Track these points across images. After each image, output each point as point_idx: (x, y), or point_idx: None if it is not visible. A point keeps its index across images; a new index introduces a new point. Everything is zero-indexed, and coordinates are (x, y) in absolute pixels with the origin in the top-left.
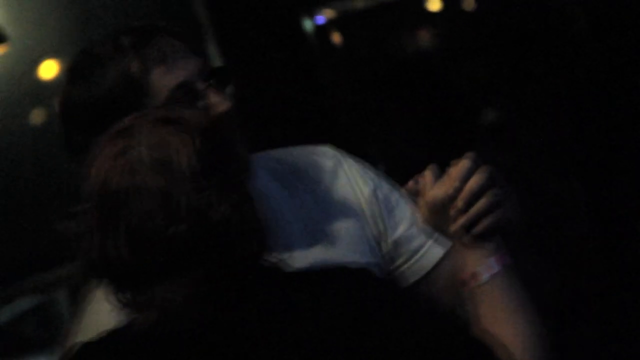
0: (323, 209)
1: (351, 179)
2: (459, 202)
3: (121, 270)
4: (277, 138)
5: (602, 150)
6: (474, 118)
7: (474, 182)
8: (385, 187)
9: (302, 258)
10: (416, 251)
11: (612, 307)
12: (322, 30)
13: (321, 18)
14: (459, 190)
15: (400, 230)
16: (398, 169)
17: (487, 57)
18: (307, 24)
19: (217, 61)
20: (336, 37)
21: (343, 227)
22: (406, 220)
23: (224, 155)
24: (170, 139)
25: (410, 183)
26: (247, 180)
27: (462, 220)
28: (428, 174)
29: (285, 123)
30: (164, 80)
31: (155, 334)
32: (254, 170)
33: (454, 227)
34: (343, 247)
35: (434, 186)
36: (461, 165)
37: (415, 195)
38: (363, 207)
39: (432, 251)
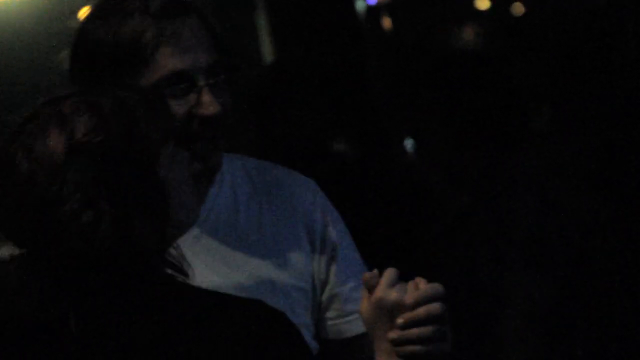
0: (277, 230)
1: (318, 218)
2: (405, 319)
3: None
4: (313, 113)
5: None
6: (517, 122)
7: (426, 309)
8: (348, 244)
9: (224, 275)
10: (349, 314)
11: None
12: (373, 12)
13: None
14: (411, 307)
15: (344, 288)
16: (428, 157)
17: (534, 61)
18: (359, 4)
19: (263, 41)
20: (386, 21)
21: (289, 253)
22: (353, 281)
23: (108, 150)
24: (56, 125)
25: (367, 275)
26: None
27: (397, 334)
28: (389, 273)
29: (325, 101)
30: (168, 61)
31: None
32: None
33: (389, 334)
34: (281, 268)
35: (389, 288)
36: (429, 288)
37: (367, 288)
38: (318, 247)
39: (360, 322)
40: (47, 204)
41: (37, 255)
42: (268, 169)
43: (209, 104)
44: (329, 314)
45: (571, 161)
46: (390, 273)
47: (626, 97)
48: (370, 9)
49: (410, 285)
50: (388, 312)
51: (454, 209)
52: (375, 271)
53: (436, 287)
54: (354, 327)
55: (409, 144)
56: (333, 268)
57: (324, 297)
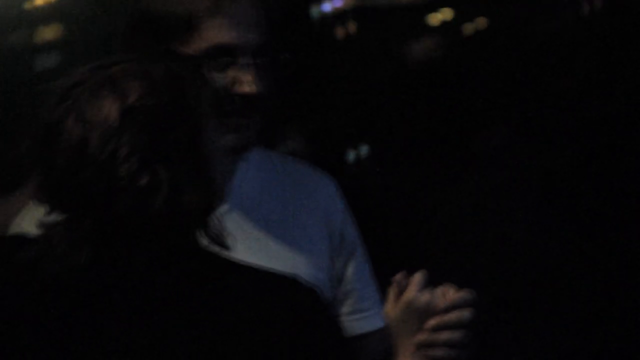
0: (299, 220)
1: (339, 215)
2: (437, 322)
3: (46, 195)
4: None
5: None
6: (470, 140)
7: (460, 314)
8: (362, 244)
9: (250, 253)
10: (363, 310)
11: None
12: (328, 20)
13: (327, 6)
14: (442, 312)
15: (359, 285)
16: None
17: (490, 78)
18: (314, 11)
19: None
20: (340, 30)
21: (309, 244)
22: (369, 280)
23: (161, 115)
24: (108, 90)
25: (399, 276)
26: (193, 154)
27: (426, 336)
28: (420, 275)
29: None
30: (219, 32)
31: (34, 267)
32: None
33: (417, 335)
34: (301, 257)
35: (421, 291)
36: (462, 294)
37: (399, 289)
38: (336, 242)
39: (374, 319)
40: (103, 165)
41: (89, 218)
42: (291, 162)
43: (247, 83)
44: (344, 310)
45: (521, 178)
46: (421, 274)
47: (578, 117)
48: (324, 17)
49: (439, 290)
50: (417, 314)
51: (404, 216)
52: (405, 273)
53: (466, 295)
54: (368, 324)
55: (363, 150)
56: (351, 265)
57: (340, 292)
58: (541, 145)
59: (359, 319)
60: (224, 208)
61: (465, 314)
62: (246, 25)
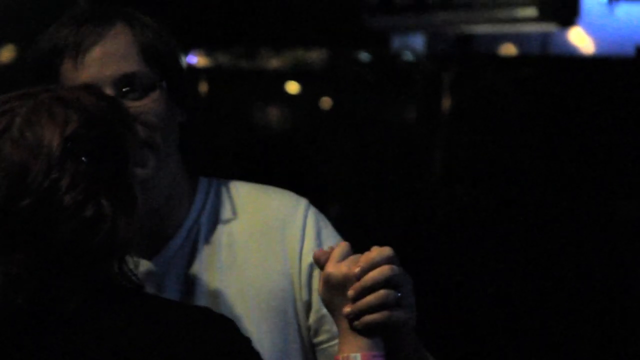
0: (260, 253)
1: (302, 241)
2: (350, 291)
3: None
4: None
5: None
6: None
7: (371, 275)
8: None
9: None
10: (335, 337)
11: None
12: (192, 72)
13: (193, 58)
14: (357, 277)
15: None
16: None
17: (339, 153)
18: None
19: None
20: (202, 85)
21: (269, 278)
22: None
23: (100, 145)
24: (46, 117)
25: (316, 252)
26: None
27: (348, 308)
28: (338, 249)
29: None
30: (71, 73)
31: None
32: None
33: (344, 309)
34: (260, 291)
35: (338, 263)
36: (371, 255)
37: (319, 266)
38: (297, 269)
39: None
40: (44, 194)
41: (27, 250)
42: (258, 193)
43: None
44: (320, 338)
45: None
46: (340, 247)
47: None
48: (190, 69)
49: (352, 258)
50: (340, 288)
51: None
52: (326, 249)
53: (383, 251)
54: None
55: None
56: (309, 291)
57: (311, 321)
58: (373, 216)
59: (333, 345)
60: (180, 239)
61: (379, 272)
62: (100, 60)
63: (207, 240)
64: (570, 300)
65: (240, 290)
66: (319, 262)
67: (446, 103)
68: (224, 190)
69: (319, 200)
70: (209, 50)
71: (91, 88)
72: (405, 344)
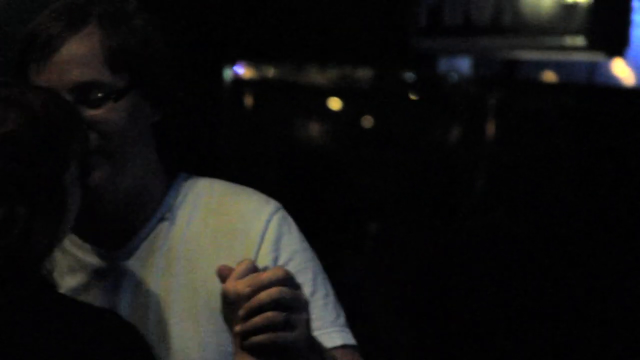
0: (221, 249)
1: (261, 246)
2: (241, 311)
3: None
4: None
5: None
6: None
7: (258, 297)
8: (301, 268)
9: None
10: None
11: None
12: (238, 84)
13: (240, 67)
14: (248, 297)
15: None
16: None
17: (379, 170)
18: (227, 73)
19: None
20: (247, 98)
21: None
22: (318, 300)
23: (37, 148)
24: None
25: (221, 267)
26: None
27: (238, 327)
28: (240, 266)
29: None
30: (34, 75)
31: None
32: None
33: (235, 328)
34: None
35: (236, 281)
36: (261, 276)
37: (221, 281)
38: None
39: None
40: None
41: None
42: (230, 194)
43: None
44: None
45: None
46: (242, 265)
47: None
48: (237, 81)
49: (249, 278)
50: (234, 306)
51: None
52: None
53: (275, 273)
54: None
55: None
56: None
57: None
58: (411, 236)
59: None
60: (145, 233)
61: (268, 293)
62: (64, 65)
63: (170, 237)
64: (620, 337)
65: (193, 290)
66: (221, 277)
67: (490, 127)
68: (198, 188)
69: (358, 217)
70: (256, 63)
71: (49, 90)
72: None
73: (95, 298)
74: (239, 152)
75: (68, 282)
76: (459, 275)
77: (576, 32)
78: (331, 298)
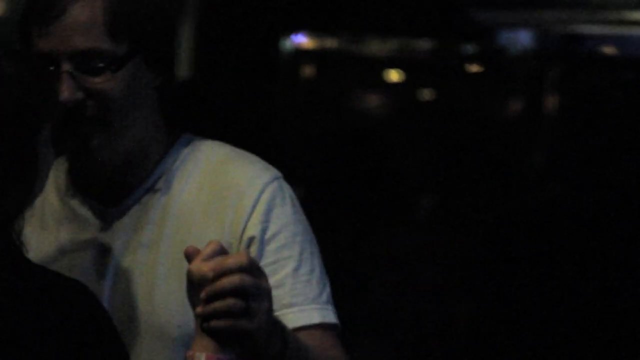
0: (212, 214)
1: (249, 218)
2: (202, 294)
3: None
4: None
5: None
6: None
7: (220, 282)
8: (287, 244)
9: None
10: (288, 305)
11: None
12: (297, 55)
13: (300, 37)
14: (210, 281)
15: (287, 280)
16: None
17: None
18: (284, 43)
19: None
20: (305, 68)
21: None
22: (282, 279)
23: (5, 112)
24: None
25: (189, 248)
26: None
27: (199, 309)
28: (208, 247)
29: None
30: (36, 42)
31: None
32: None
33: (196, 309)
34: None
35: (202, 262)
36: (226, 261)
37: (188, 261)
38: (239, 240)
39: (297, 316)
40: None
41: None
42: (230, 158)
43: (61, 91)
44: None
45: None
46: (210, 246)
47: (507, 193)
48: (296, 52)
49: (216, 260)
50: (199, 287)
51: None
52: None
53: (238, 259)
54: (291, 321)
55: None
56: (265, 261)
57: None
58: (467, 210)
59: (282, 314)
60: (141, 192)
61: (230, 279)
62: (67, 31)
63: (165, 199)
64: None
65: (180, 252)
66: (188, 258)
67: (550, 101)
68: (198, 151)
69: (411, 190)
70: (317, 33)
71: (22, 54)
72: (264, 353)
73: (86, 251)
74: (295, 123)
75: (62, 233)
76: (518, 250)
77: (636, 6)
78: (316, 274)
